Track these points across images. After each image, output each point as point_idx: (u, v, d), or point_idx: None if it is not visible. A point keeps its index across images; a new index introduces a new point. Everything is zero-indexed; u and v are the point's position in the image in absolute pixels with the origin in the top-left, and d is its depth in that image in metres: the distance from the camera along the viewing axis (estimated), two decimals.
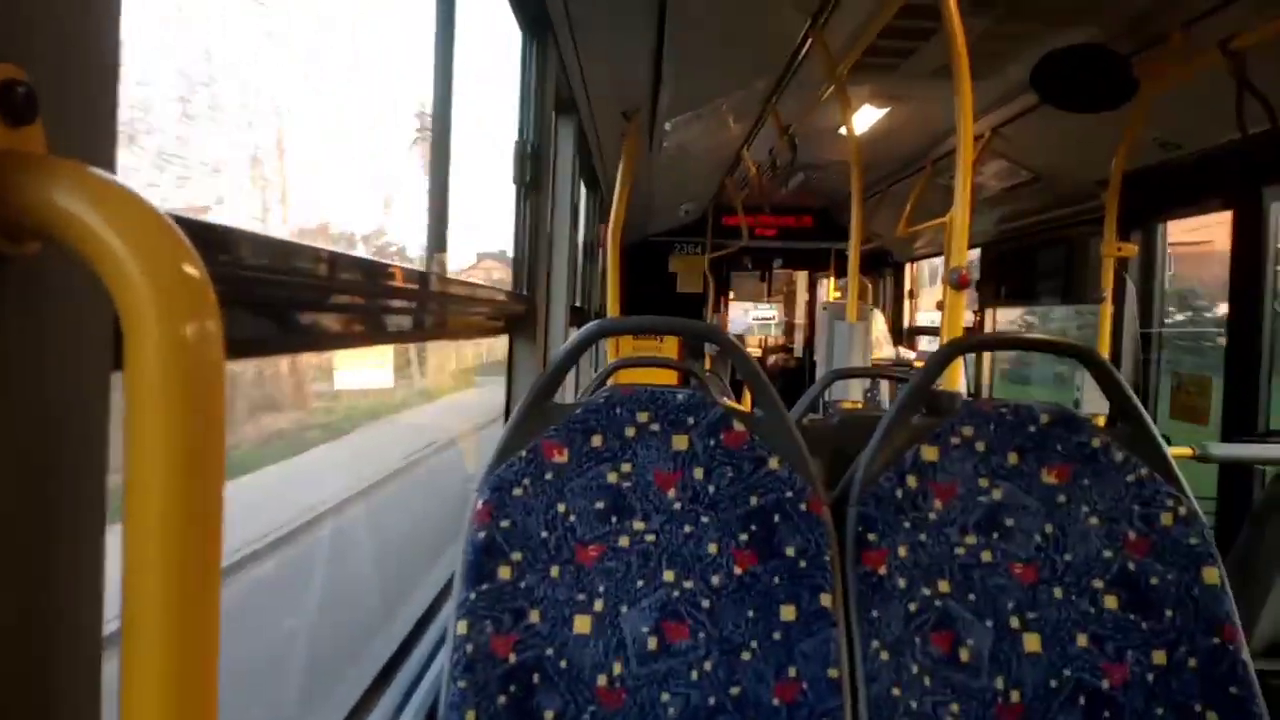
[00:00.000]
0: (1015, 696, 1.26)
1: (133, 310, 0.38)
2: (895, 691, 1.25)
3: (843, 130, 3.97)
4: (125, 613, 0.39)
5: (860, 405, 4.01)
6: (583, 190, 4.58)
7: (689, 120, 4.06)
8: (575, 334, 1.40)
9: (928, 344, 6.95)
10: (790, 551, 1.28)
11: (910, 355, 6.24)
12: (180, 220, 0.59)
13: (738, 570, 1.27)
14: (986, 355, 5.47)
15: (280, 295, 0.82)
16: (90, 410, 0.49)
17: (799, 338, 9.34)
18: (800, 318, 9.46)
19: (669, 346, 4.26)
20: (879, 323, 6.03)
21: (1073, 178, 4.00)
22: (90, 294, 0.48)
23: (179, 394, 0.38)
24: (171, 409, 0.38)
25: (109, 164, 0.51)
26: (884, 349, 5.78)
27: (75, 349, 0.48)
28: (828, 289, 7.94)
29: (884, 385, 4.66)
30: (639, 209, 6.31)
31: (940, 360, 1.48)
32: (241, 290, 0.73)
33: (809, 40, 3.04)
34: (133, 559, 0.38)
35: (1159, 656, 1.26)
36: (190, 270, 0.40)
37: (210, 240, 0.65)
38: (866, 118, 4.24)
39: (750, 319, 9.50)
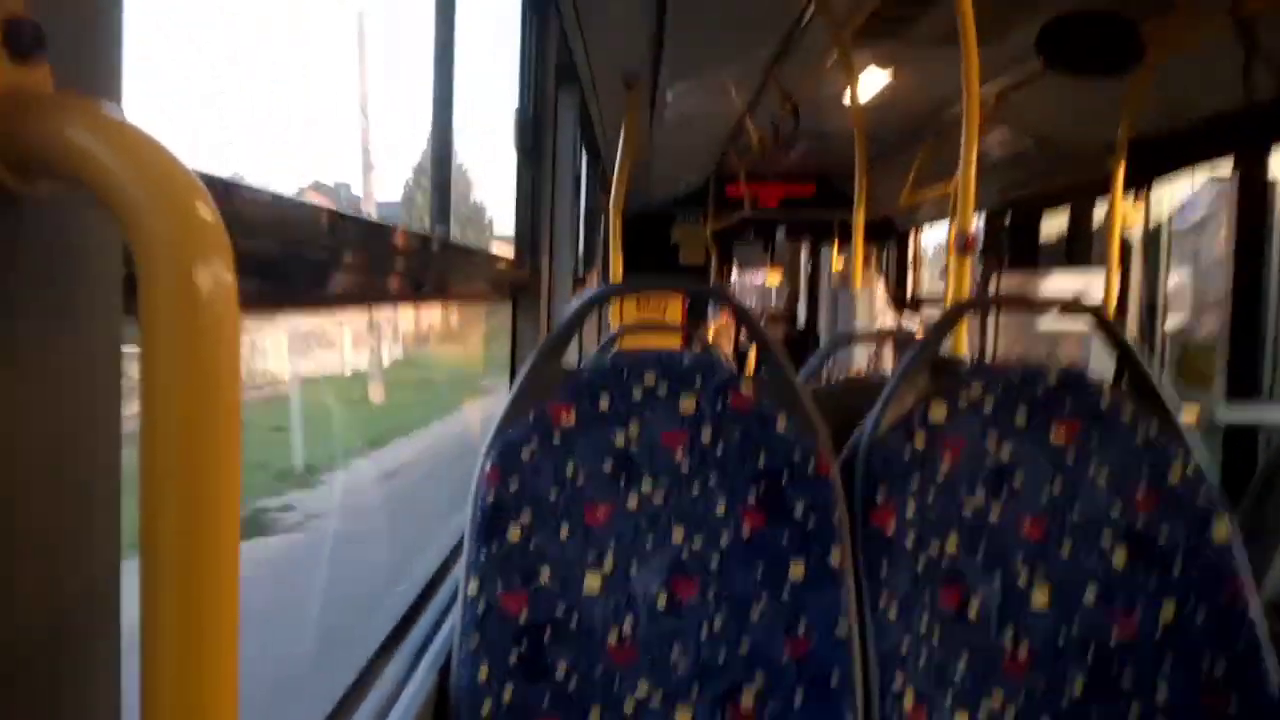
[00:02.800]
0: (1023, 651, 1.27)
1: (145, 250, 0.37)
2: (904, 647, 1.26)
3: (846, 98, 3.94)
4: (142, 560, 0.38)
5: (865, 373, 4.02)
6: (584, 160, 4.56)
7: (691, 89, 4.03)
8: (580, 295, 1.40)
9: (931, 312, 6.93)
10: (798, 511, 1.28)
11: (913, 325, 6.23)
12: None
13: (746, 530, 1.28)
14: (991, 324, 5.46)
15: (284, 253, 0.82)
16: (102, 355, 0.49)
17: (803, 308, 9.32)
18: (804, 287, 9.43)
19: (673, 316, 4.26)
20: (878, 292, 6.01)
21: (1078, 143, 3.98)
22: (103, 235, 0.48)
23: (193, 337, 0.38)
24: (186, 352, 0.38)
25: (117, 103, 0.50)
26: (884, 318, 5.77)
27: (88, 291, 0.47)
28: (832, 258, 7.92)
29: (888, 356, 4.66)
30: (641, 179, 6.28)
31: (947, 320, 1.48)
32: (247, 245, 0.72)
33: (812, 5, 3.01)
34: (149, 502, 0.38)
35: (1168, 611, 1.27)
36: (204, 211, 0.39)
37: (218, 193, 0.64)
38: (870, 84, 4.20)
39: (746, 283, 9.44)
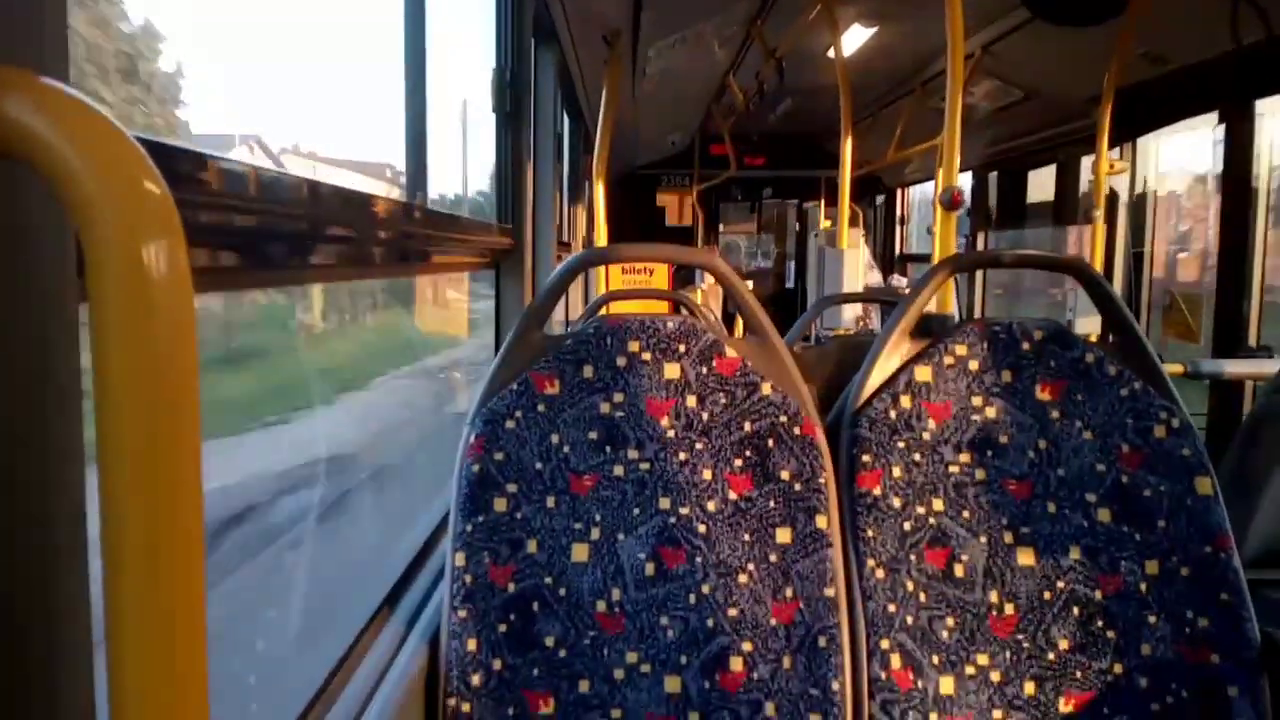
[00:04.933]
0: (1009, 609, 1.27)
1: (91, 228, 0.36)
2: (891, 608, 1.26)
3: (831, 53, 3.88)
4: (105, 557, 0.37)
5: (853, 332, 4.01)
6: (566, 123, 4.49)
7: (672, 45, 3.96)
8: (563, 262, 1.38)
9: (918, 271, 6.93)
10: (785, 475, 1.28)
11: (902, 282, 6.22)
12: (145, 142, 0.57)
13: (733, 495, 1.28)
14: (979, 282, 5.46)
15: (254, 225, 0.80)
16: (58, 341, 0.47)
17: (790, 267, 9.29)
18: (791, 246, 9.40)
19: (659, 280, 4.23)
20: (864, 251, 5.99)
21: (1064, 95, 3.94)
22: (57, 214, 0.46)
23: (145, 319, 0.36)
24: (138, 335, 0.36)
25: (61, 76, 0.48)
26: (871, 276, 5.76)
27: (41, 274, 0.46)
28: (819, 217, 7.88)
29: (875, 314, 4.66)
30: (625, 140, 6.21)
31: (932, 279, 1.47)
32: (212, 217, 0.70)
33: None
34: (109, 495, 0.37)
35: (1152, 566, 1.27)
36: (151, 186, 0.37)
37: (179, 163, 0.62)
38: (855, 39, 4.14)
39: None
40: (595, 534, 1.26)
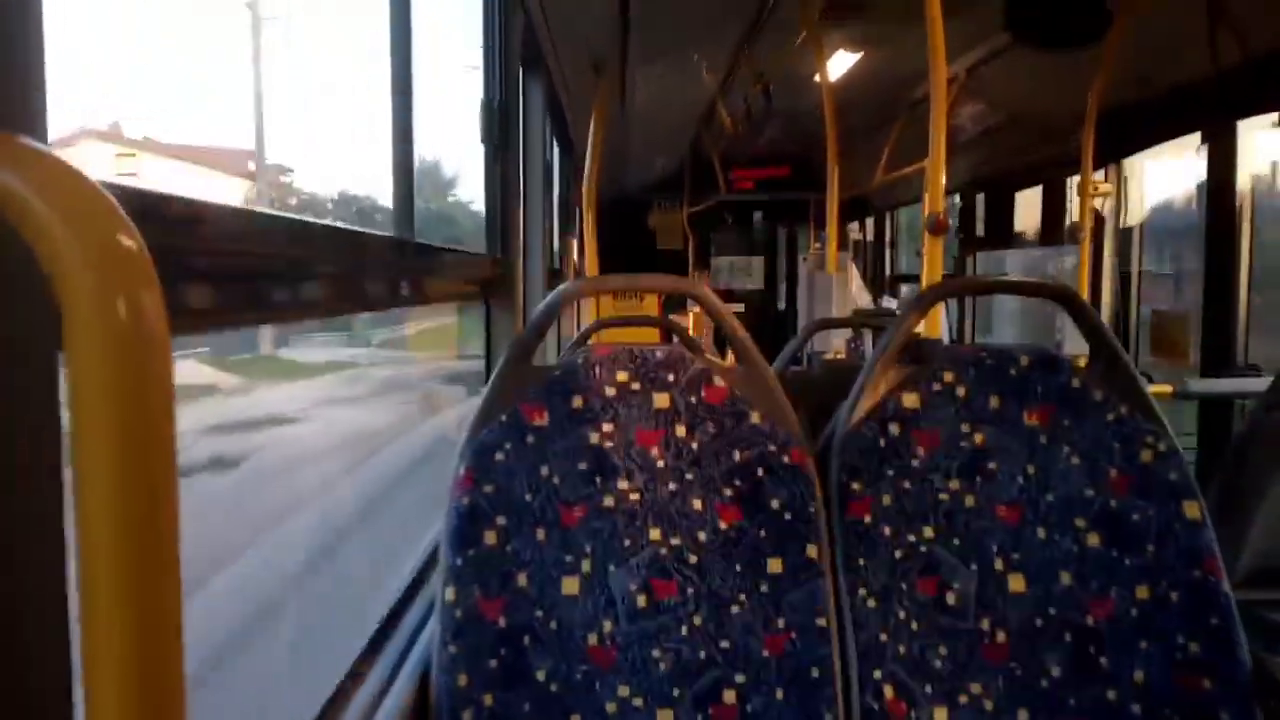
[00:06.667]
0: (1001, 636, 1.27)
1: (66, 283, 0.37)
2: (883, 637, 1.26)
3: (817, 78, 3.92)
4: (82, 609, 0.37)
5: (843, 355, 4.02)
6: (555, 149, 4.51)
7: (660, 72, 4.00)
8: (551, 293, 1.38)
9: (908, 292, 6.95)
10: (775, 504, 1.28)
11: (893, 304, 6.24)
12: (121, 190, 0.57)
13: (723, 525, 1.27)
14: (968, 303, 5.48)
15: (238, 265, 0.80)
16: (38, 394, 0.47)
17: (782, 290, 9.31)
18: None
19: (649, 306, 4.23)
20: (853, 274, 6.01)
21: (1048, 117, 3.98)
22: (31, 273, 0.46)
23: (120, 371, 0.37)
24: (114, 387, 0.37)
25: (39, 134, 0.49)
26: (861, 298, 5.78)
27: (20, 330, 0.46)
28: (809, 240, 7.91)
29: (867, 337, 4.67)
30: (614, 166, 6.25)
31: (919, 306, 1.47)
32: (194, 261, 0.70)
33: None
34: (87, 550, 0.37)
35: (1142, 591, 1.27)
36: (125, 240, 0.38)
37: (154, 208, 0.62)
38: (841, 64, 4.19)
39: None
40: (586, 566, 1.25)
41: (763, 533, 1.27)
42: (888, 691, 1.24)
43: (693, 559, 1.26)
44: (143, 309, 0.37)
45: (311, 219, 1.04)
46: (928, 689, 1.25)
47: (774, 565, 1.26)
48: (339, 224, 1.10)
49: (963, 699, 1.25)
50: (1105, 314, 3.80)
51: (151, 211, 0.61)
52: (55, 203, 0.37)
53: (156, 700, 0.38)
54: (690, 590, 1.25)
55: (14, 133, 0.39)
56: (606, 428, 1.29)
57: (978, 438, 1.34)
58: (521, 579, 1.23)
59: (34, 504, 0.47)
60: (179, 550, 0.40)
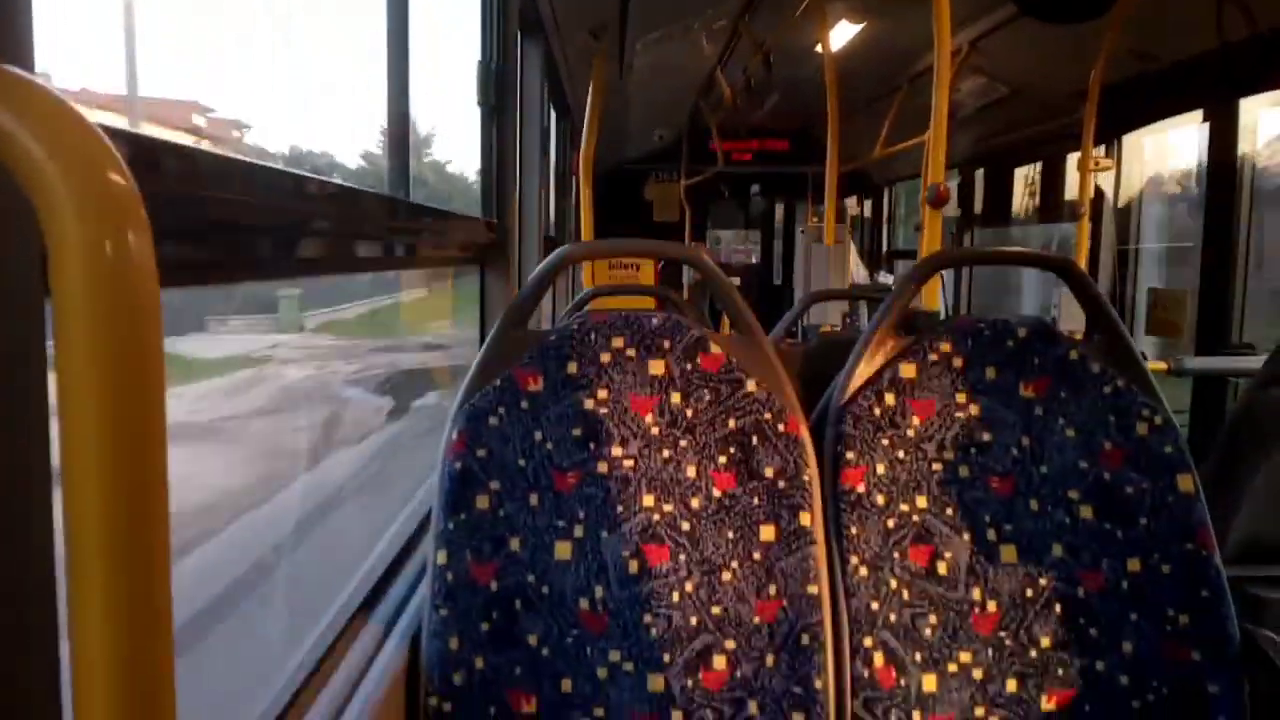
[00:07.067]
0: (992, 606, 1.27)
1: (54, 220, 0.35)
2: (874, 605, 1.26)
3: (819, 48, 3.88)
4: (69, 558, 0.37)
5: (839, 329, 4.01)
6: (553, 117, 4.47)
7: (660, 40, 3.95)
8: (548, 257, 1.37)
9: (905, 267, 6.94)
10: (769, 472, 1.27)
11: (890, 279, 6.23)
12: (118, 133, 0.55)
13: (717, 493, 1.27)
14: (965, 279, 5.47)
15: (232, 217, 0.78)
16: (22, 339, 0.46)
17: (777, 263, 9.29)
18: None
19: (645, 276, 4.21)
20: (851, 247, 6.00)
21: (1050, 92, 3.95)
22: (19, 212, 0.45)
23: (108, 314, 0.36)
24: (101, 330, 0.36)
25: (26, 63, 0.47)
26: (858, 272, 5.77)
27: (6, 270, 0.45)
28: (807, 213, 7.88)
29: (863, 309, 4.66)
30: (612, 135, 6.19)
31: (917, 276, 1.46)
32: (183, 210, 0.69)
33: None
34: (73, 499, 0.36)
35: (1134, 564, 1.27)
36: (116, 178, 0.37)
37: (146, 153, 0.61)
38: (843, 34, 4.14)
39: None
40: (578, 531, 1.25)
41: (756, 500, 1.26)
42: (877, 659, 1.25)
43: (685, 526, 1.26)
44: (134, 250, 0.36)
45: (308, 173, 1.01)
46: (917, 657, 1.26)
47: (766, 533, 1.26)
48: (332, 180, 1.07)
49: (952, 668, 1.26)
50: (1103, 291, 3.79)
51: (143, 154, 0.60)
52: (44, 136, 0.35)
53: (145, 692, 0.37)
54: (682, 557, 1.25)
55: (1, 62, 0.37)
56: (601, 394, 1.29)
57: (974, 408, 1.33)
58: (514, 543, 1.23)
59: (17, 456, 0.46)
60: (168, 495, 0.39)
